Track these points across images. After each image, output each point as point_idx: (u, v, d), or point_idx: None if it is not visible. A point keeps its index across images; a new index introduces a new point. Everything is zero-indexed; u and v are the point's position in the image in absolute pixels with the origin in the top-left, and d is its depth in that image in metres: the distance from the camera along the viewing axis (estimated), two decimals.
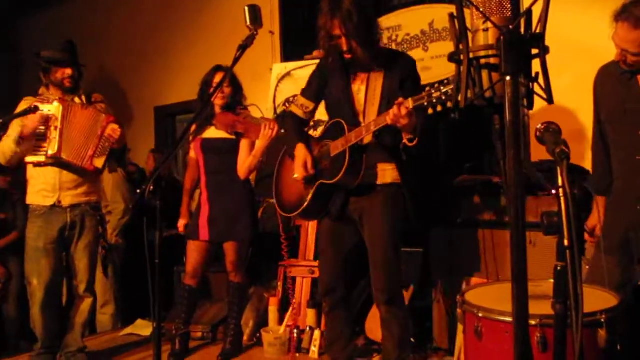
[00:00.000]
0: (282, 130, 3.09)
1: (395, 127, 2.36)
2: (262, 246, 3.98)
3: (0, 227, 4.85)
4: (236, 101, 3.57)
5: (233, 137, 3.50)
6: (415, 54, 3.85)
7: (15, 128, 3.23)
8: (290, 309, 3.75)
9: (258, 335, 3.79)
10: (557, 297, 1.44)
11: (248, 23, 2.47)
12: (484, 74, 1.40)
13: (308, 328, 3.59)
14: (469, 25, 1.42)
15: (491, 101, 1.40)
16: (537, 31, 1.36)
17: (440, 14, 3.74)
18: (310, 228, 3.84)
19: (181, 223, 3.69)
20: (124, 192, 4.84)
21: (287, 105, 4.09)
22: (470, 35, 1.42)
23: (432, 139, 3.91)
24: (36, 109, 3.17)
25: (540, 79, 1.38)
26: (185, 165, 3.99)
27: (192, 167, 3.71)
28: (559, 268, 1.43)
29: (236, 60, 2.44)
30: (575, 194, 1.36)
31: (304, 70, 4.04)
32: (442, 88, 2.16)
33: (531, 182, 3.01)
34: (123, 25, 6.48)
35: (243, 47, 2.42)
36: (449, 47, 3.60)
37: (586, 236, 2.68)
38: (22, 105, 3.29)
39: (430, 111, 2.21)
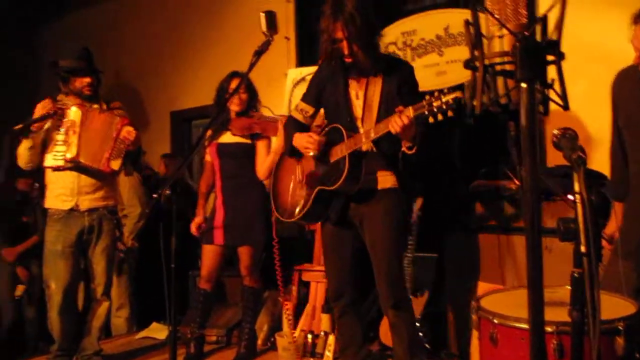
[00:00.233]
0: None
1: (395, 135, 2.35)
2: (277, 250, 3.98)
3: (22, 230, 4.92)
4: (251, 106, 3.60)
5: (249, 141, 3.53)
6: (431, 58, 3.85)
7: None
8: (305, 313, 3.75)
9: (272, 339, 3.80)
10: (574, 304, 1.44)
11: (264, 29, 2.49)
12: (499, 80, 1.40)
13: (322, 333, 3.59)
14: (484, 31, 1.42)
15: (506, 107, 1.40)
16: (553, 38, 1.35)
17: (456, 19, 3.73)
18: None
19: (195, 223, 3.69)
20: (140, 196, 4.87)
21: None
22: (485, 41, 1.41)
23: (440, 145, 3.92)
24: (55, 113, 3.21)
25: (556, 85, 1.37)
26: (200, 170, 4.02)
27: (207, 170, 3.74)
28: (575, 275, 1.42)
29: (252, 65, 2.46)
30: (592, 200, 1.36)
31: None
32: (442, 97, 2.16)
33: (546, 187, 2.99)
34: (140, 31, 6.54)
35: (259, 53, 2.44)
36: (464, 51, 3.60)
37: (604, 243, 2.66)
38: (39, 109, 3.31)
39: (431, 120, 2.21)
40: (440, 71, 3.79)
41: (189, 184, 5.32)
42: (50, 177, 3.42)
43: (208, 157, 3.72)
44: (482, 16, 1.44)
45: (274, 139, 3.53)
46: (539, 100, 1.32)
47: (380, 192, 2.64)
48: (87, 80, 3.40)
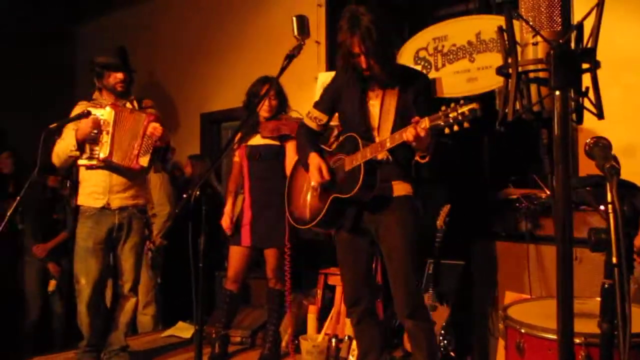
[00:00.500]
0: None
1: (410, 144, 2.37)
2: (303, 253, 4.00)
3: (52, 227, 5.03)
4: (280, 112, 3.64)
5: (277, 143, 3.55)
6: (461, 64, 3.82)
7: (69, 132, 3.35)
8: (329, 317, 3.75)
9: (296, 342, 3.81)
10: (603, 316, 1.41)
11: (295, 33, 2.51)
12: (533, 87, 1.39)
13: (346, 337, 3.59)
14: (518, 38, 1.41)
15: (539, 115, 1.39)
16: (589, 45, 1.34)
17: (488, 25, 3.70)
18: None
19: (225, 220, 3.69)
20: (169, 195, 4.93)
21: None
22: (519, 48, 1.40)
23: (470, 152, 3.89)
24: (89, 113, 3.28)
25: (591, 94, 1.36)
26: (229, 172, 4.05)
27: (236, 170, 3.78)
28: (606, 286, 1.40)
29: (283, 69, 2.49)
30: (624, 211, 1.34)
31: None
32: (458, 108, 2.17)
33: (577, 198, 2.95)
34: (173, 33, 6.63)
35: (290, 57, 2.46)
36: (495, 58, 3.58)
37: (634, 256, 2.60)
38: (77, 110, 3.42)
39: (447, 131, 2.22)
40: (471, 77, 3.76)
41: (216, 188, 5.33)
42: (83, 175, 3.50)
43: (237, 158, 3.75)
44: (515, 23, 1.43)
45: None
46: (572, 108, 1.31)
47: (395, 200, 2.65)
48: (121, 76, 3.47)
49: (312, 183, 2.75)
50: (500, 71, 1.44)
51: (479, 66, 3.71)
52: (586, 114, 1.39)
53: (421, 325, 2.66)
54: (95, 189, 3.42)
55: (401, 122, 2.52)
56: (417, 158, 2.50)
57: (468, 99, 2.19)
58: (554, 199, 1.27)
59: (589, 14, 1.31)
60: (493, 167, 3.90)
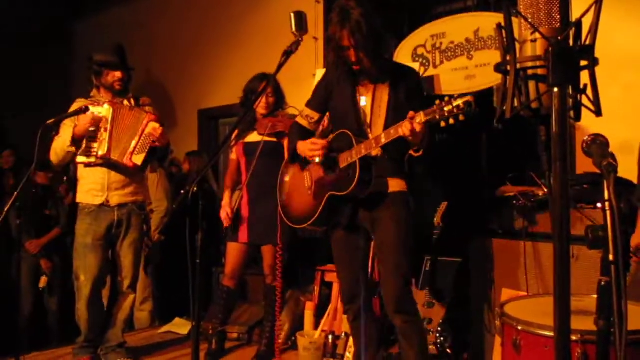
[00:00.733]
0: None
1: (406, 139, 2.37)
2: (300, 250, 4.00)
3: (44, 223, 5.02)
4: (277, 108, 3.63)
5: (274, 140, 3.55)
6: (460, 62, 3.82)
7: (67, 129, 3.34)
8: (326, 314, 3.76)
9: (293, 338, 3.81)
10: (600, 313, 1.41)
11: (293, 29, 2.50)
12: (531, 84, 1.39)
13: (343, 334, 3.59)
14: (516, 36, 1.41)
15: (537, 112, 1.39)
16: (587, 42, 1.34)
17: (486, 22, 3.70)
18: None
19: (223, 212, 3.66)
20: (167, 191, 4.93)
21: None
22: (517, 46, 1.40)
23: (467, 149, 3.89)
24: (87, 109, 3.27)
25: (589, 91, 1.36)
26: (226, 169, 4.05)
27: (232, 167, 3.78)
28: (602, 283, 1.40)
29: (280, 66, 2.48)
30: (621, 208, 1.34)
31: None
32: (453, 101, 2.18)
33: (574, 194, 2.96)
34: (169, 30, 6.62)
35: (288, 53, 2.46)
36: (494, 55, 3.58)
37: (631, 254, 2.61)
38: (74, 107, 3.41)
39: (442, 124, 2.23)
40: (469, 75, 3.77)
41: (213, 186, 5.32)
42: (81, 172, 3.49)
43: (233, 156, 3.75)
44: (514, 20, 1.42)
45: None
46: (570, 105, 1.31)
47: (390, 196, 2.64)
48: (119, 75, 3.46)
49: (317, 159, 2.67)
50: (498, 68, 1.44)
51: (477, 63, 3.71)
52: (584, 112, 1.39)
53: (412, 321, 2.63)
54: (94, 186, 3.42)
55: (394, 117, 2.52)
56: (411, 152, 2.50)
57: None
58: (552, 196, 1.27)
59: (587, 11, 1.31)
60: (490, 164, 3.91)
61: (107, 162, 3.37)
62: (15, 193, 2.73)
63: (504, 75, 1.42)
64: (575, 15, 1.36)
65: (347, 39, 2.49)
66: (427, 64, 3.92)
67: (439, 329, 3.27)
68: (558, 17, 1.35)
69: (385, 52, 2.69)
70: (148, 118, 3.40)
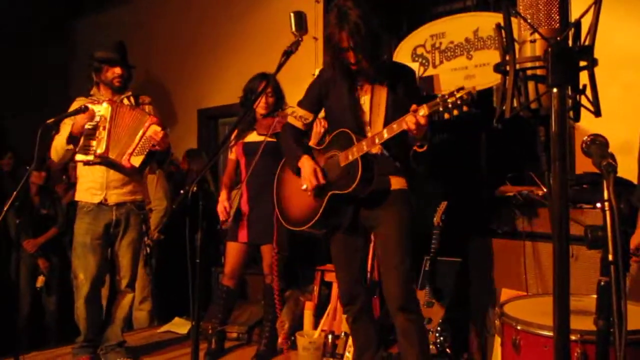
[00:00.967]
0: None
1: (410, 133, 2.36)
2: (299, 250, 4.00)
3: (42, 222, 5.02)
4: (277, 108, 3.63)
5: (274, 139, 3.54)
6: (459, 62, 3.82)
7: (67, 128, 3.34)
8: (326, 313, 3.76)
9: (292, 338, 3.81)
10: (599, 313, 1.42)
11: (293, 29, 2.50)
12: (530, 85, 1.39)
13: (343, 334, 3.59)
14: (515, 36, 1.41)
15: (537, 112, 1.39)
16: (586, 43, 1.34)
17: (486, 22, 3.70)
18: None
19: (220, 207, 3.63)
20: (166, 190, 4.93)
21: None
22: (517, 46, 1.40)
23: (467, 149, 3.89)
24: (86, 108, 3.27)
25: (588, 91, 1.36)
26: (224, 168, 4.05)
27: (230, 167, 3.77)
28: (602, 283, 1.41)
29: (280, 66, 2.48)
30: (620, 208, 1.34)
31: None
32: (456, 93, 2.19)
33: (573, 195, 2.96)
34: (169, 29, 6.62)
35: (288, 53, 2.46)
36: (493, 55, 3.58)
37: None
38: (74, 105, 3.41)
39: (446, 116, 2.23)
40: (469, 75, 3.77)
41: (211, 186, 5.29)
42: (80, 171, 3.49)
43: (232, 155, 3.75)
44: (514, 20, 1.43)
45: None
46: (570, 106, 1.31)
47: (392, 194, 2.64)
48: (119, 71, 3.46)
49: (305, 186, 2.68)
50: (497, 69, 1.44)
51: (477, 63, 3.71)
52: (584, 112, 1.39)
53: (414, 319, 2.62)
54: (92, 185, 3.42)
55: (393, 115, 2.51)
56: (415, 148, 2.48)
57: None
58: (551, 196, 1.27)
59: (586, 11, 1.31)
60: (490, 164, 3.91)
61: (105, 161, 3.37)
62: (15, 192, 2.73)
63: (504, 75, 1.42)
64: (574, 15, 1.36)
65: (346, 41, 2.49)
66: (426, 63, 3.92)
67: (439, 328, 3.27)
68: (557, 17, 1.35)
69: (383, 53, 2.69)
70: (150, 121, 3.40)
